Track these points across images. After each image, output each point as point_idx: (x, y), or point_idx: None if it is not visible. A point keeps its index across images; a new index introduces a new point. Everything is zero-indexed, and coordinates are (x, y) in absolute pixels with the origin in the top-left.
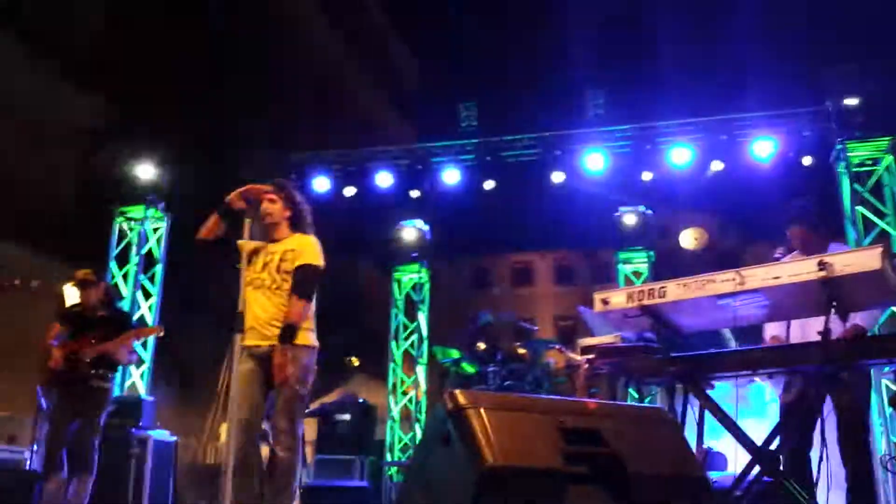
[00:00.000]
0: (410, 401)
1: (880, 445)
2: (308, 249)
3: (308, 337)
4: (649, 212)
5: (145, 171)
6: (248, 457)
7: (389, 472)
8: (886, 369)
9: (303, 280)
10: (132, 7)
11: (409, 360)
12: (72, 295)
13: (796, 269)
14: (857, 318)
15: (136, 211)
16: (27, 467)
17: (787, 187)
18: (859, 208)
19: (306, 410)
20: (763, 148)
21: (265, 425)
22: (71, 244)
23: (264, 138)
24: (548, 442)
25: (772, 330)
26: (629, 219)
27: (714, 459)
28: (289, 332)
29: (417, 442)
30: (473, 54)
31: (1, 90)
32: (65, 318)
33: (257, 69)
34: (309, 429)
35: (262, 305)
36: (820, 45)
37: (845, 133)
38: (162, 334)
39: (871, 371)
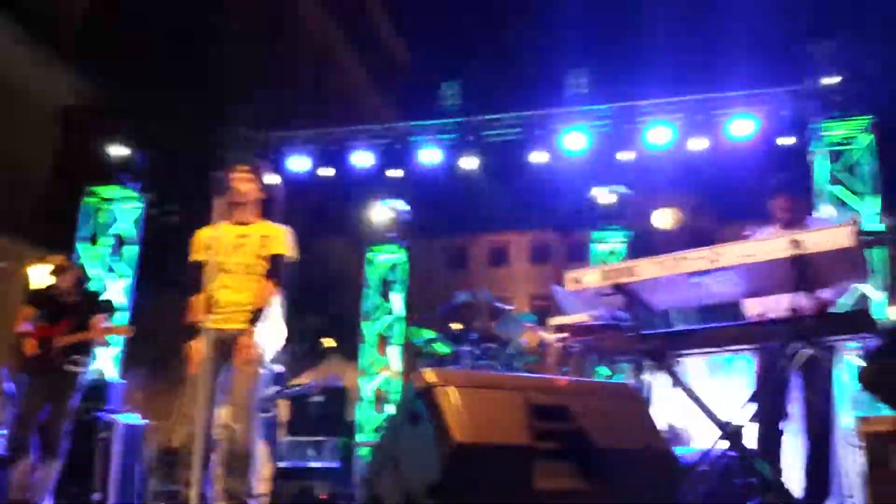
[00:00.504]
0: (384, 381)
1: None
2: (286, 239)
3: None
4: (626, 191)
5: (118, 150)
6: (207, 440)
7: (360, 453)
8: (853, 346)
9: (278, 268)
10: None
11: (383, 341)
12: (37, 276)
13: (769, 247)
14: (825, 295)
15: (110, 191)
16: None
17: (764, 167)
18: (834, 187)
19: (281, 392)
20: (741, 127)
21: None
22: (41, 225)
23: (242, 116)
24: (516, 419)
25: (754, 307)
26: (605, 198)
27: (677, 435)
28: (258, 315)
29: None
30: (457, 33)
31: None
32: (36, 301)
33: (236, 45)
34: (282, 410)
35: (235, 289)
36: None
37: (823, 112)
38: (132, 335)
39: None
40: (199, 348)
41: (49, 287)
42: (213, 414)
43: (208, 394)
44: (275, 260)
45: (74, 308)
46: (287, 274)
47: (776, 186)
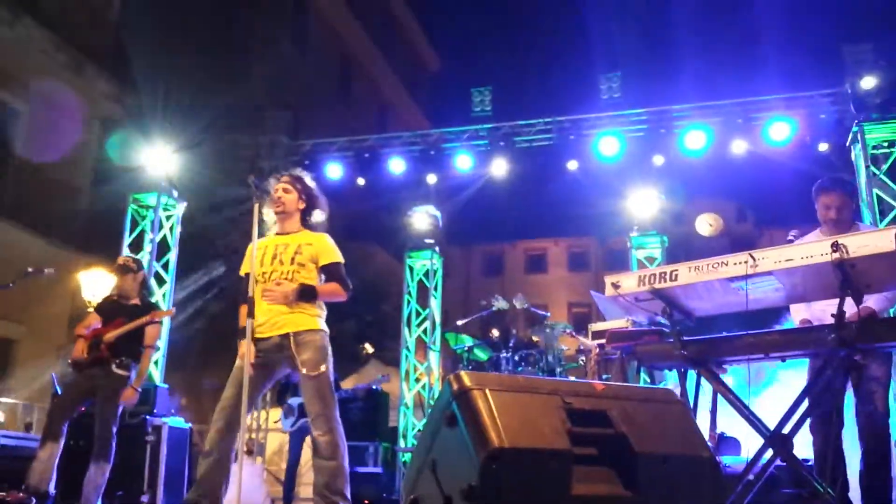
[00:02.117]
0: (424, 387)
1: None
2: (329, 247)
3: (320, 322)
4: (662, 196)
5: (157, 158)
6: (221, 442)
7: (403, 459)
8: None
9: (339, 274)
10: None
11: (422, 347)
12: (89, 283)
13: (809, 251)
14: (870, 301)
15: (149, 198)
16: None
17: (803, 170)
18: (876, 191)
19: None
20: (779, 131)
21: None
22: (86, 232)
23: (277, 125)
24: (554, 423)
25: (800, 313)
26: (641, 203)
27: (727, 444)
28: (310, 292)
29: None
30: (488, 40)
31: (19, 74)
32: (99, 308)
33: (270, 54)
34: None
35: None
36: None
37: (862, 115)
38: (173, 314)
39: (893, 354)
40: (243, 352)
41: (111, 293)
42: (240, 415)
43: (235, 397)
44: (329, 269)
45: (132, 311)
46: (345, 277)
47: (821, 184)
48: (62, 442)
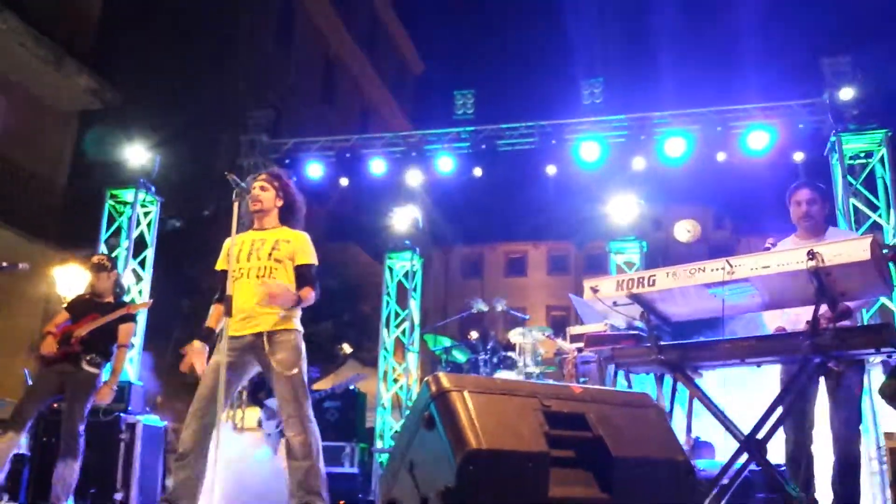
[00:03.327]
0: (402, 388)
1: (872, 436)
2: (307, 248)
3: (295, 322)
4: (641, 202)
5: (136, 154)
6: (195, 445)
7: (380, 459)
8: (876, 360)
9: (309, 276)
10: None
11: (401, 348)
12: (63, 279)
13: (786, 259)
14: (846, 308)
15: (127, 194)
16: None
17: (781, 180)
18: (852, 200)
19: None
20: (758, 139)
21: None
22: (62, 227)
23: (258, 123)
24: (532, 425)
25: (775, 320)
26: (621, 209)
27: (702, 448)
28: (297, 300)
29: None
30: (472, 44)
31: None
32: (71, 306)
33: (253, 53)
34: None
35: (248, 293)
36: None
37: (840, 125)
38: (150, 304)
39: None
40: (196, 349)
41: (85, 291)
42: (214, 416)
43: (211, 397)
44: (302, 270)
45: (105, 308)
46: (315, 280)
47: (795, 184)
48: (22, 436)
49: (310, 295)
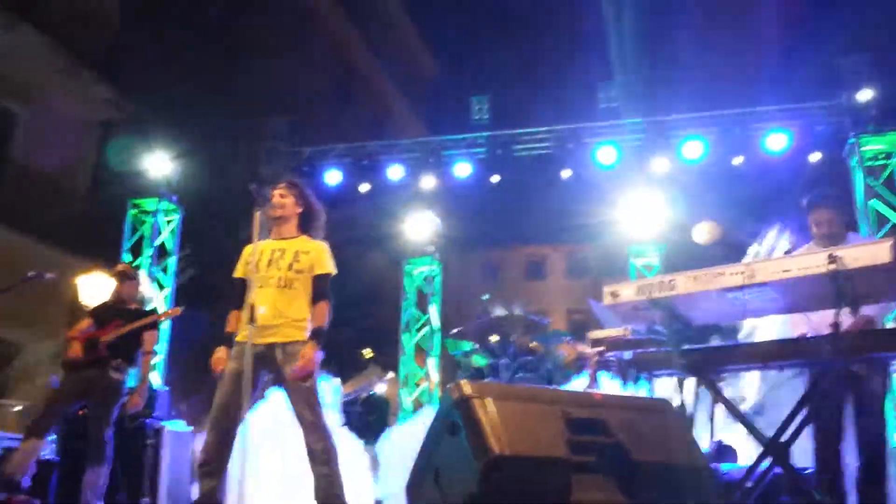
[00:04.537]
0: (423, 392)
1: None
2: (325, 257)
3: (307, 333)
4: (660, 205)
5: (157, 164)
6: (217, 453)
7: None
8: None
9: (325, 288)
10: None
11: (421, 353)
12: (87, 287)
13: (806, 263)
14: (867, 312)
15: (149, 203)
16: (41, 457)
17: (800, 182)
18: (872, 202)
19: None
20: (776, 142)
21: None
22: (84, 236)
23: (277, 131)
24: (553, 432)
25: (799, 325)
26: (636, 212)
27: (725, 452)
28: (319, 334)
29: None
30: (487, 48)
31: (19, 80)
32: (94, 313)
33: (270, 61)
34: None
35: (268, 301)
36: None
37: (859, 127)
38: (179, 312)
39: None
40: (220, 357)
41: (108, 299)
42: (234, 426)
43: (229, 404)
44: (319, 280)
45: (130, 314)
46: (329, 290)
47: (812, 200)
48: (47, 439)
49: (325, 314)
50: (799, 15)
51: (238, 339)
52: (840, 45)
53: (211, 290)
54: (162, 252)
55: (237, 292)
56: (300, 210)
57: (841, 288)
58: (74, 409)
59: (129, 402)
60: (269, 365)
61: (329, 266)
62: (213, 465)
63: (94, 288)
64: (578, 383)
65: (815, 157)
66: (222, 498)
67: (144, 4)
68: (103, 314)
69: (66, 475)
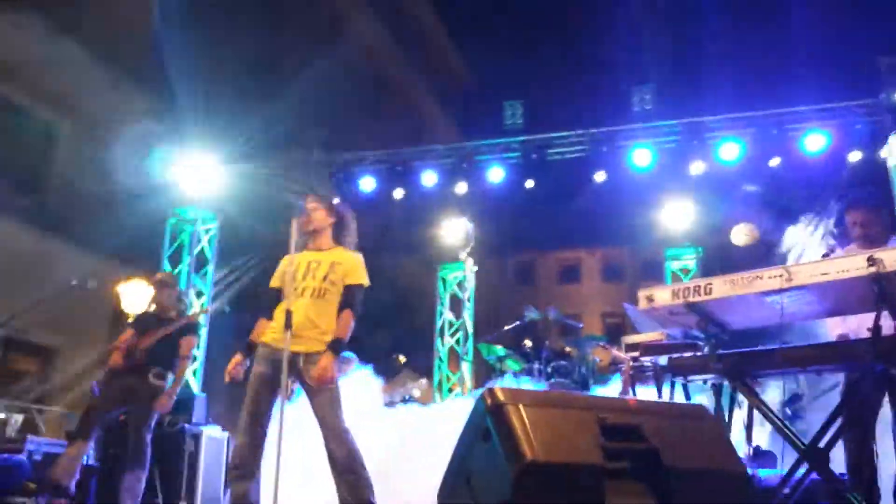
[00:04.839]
0: (457, 397)
1: None
2: (358, 268)
3: None
4: (696, 208)
5: (196, 173)
6: (248, 457)
7: None
8: None
9: (354, 298)
10: (187, 10)
11: (455, 357)
12: (128, 295)
13: (845, 265)
14: None
15: (188, 212)
16: (83, 462)
17: (839, 182)
18: None
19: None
20: (814, 142)
21: None
22: (126, 245)
23: (312, 139)
24: (587, 438)
25: (836, 327)
26: (676, 215)
27: (763, 458)
28: (339, 345)
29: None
30: (519, 53)
31: (61, 92)
32: (136, 322)
33: (304, 70)
34: None
35: (301, 310)
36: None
37: None
38: (208, 311)
39: None
40: (235, 362)
41: (150, 303)
42: (263, 429)
43: (258, 408)
44: (350, 290)
45: (168, 323)
46: (360, 301)
47: (852, 202)
48: (90, 444)
49: (349, 324)
50: (837, 13)
51: (266, 340)
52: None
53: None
54: (201, 260)
55: (270, 301)
56: (332, 220)
57: (881, 291)
58: (115, 416)
59: (158, 402)
60: (293, 370)
61: (362, 277)
62: (245, 469)
63: (136, 296)
64: (612, 388)
65: (854, 156)
66: (256, 499)
67: (183, 17)
68: (143, 323)
69: (105, 480)
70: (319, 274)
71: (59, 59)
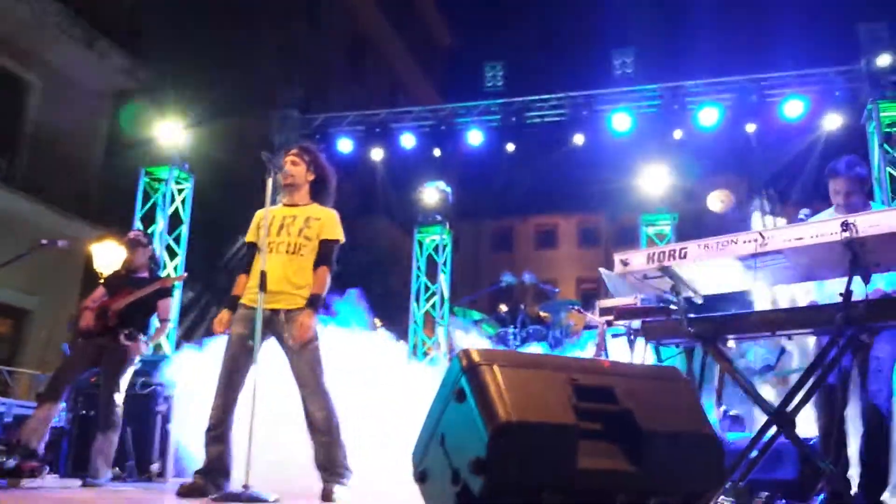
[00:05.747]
0: (432, 361)
1: None
2: (334, 224)
3: None
4: (673, 173)
5: (170, 132)
6: (224, 418)
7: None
8: None
9: (330, 254)
10: None
11: (430, 321)
12: (100, 255)
13: (819, 230)
14: (880, 281)
15: (161, 171)
16: (54, 423)
17: (817, 148)
18: (889, 169)
19: None
20: (793, 108)
21: None
22: (98, 205)
23: (289, 99)
24: (561, 398)
25: (810, 294)
26: (650, 180)
27: (733, 421)
28: (316, 301)
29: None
30: (501, 15)
31: (33, 50)
32: (107, 282)
33: (282, 28)
34: None
35: (277, 267)
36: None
37: (877, 92)
38: (185, 277)
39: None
40: (222, 319)
41: (121, 268)
42: (237, 391)
43: (235, 368)
44: (326, 245)
45: (140, 283)
46: (336, 256)
47: (830, 168)
48: (60, 405)
49: (325, 280)
50: None
51: (244, 301)
52: (859, 11)
53: (220, 258)
54: (174, 220)
55: (247, 256)
56: (312, 177)
57: (854, 256)
58: (86, 377)
59: (131, 348)
60: (272, 329)
61: (337, 233)
62: (220, 430)
63: (108, 256)
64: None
65: (832, 121)
66: (229, 464)
67: None
68: (115, 283)
69: (76, 442)
70: (294, 229)
71: (32, 14)
